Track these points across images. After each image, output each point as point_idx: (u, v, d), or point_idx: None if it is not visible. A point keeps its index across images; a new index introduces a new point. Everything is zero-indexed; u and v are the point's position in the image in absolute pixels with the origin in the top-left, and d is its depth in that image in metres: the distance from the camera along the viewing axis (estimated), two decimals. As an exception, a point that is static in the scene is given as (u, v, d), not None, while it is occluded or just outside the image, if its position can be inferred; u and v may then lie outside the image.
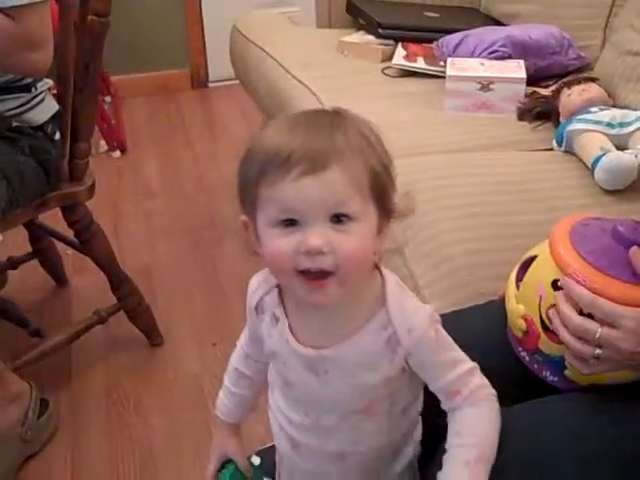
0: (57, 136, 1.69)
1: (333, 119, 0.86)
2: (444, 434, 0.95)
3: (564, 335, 0.93)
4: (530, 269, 1.03)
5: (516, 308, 1.03)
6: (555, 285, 0.97)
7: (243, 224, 0.90)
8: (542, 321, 0.99)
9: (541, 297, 0.98)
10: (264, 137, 0.85)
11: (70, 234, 1.92)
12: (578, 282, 0.93)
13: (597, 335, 0.91)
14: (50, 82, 1.72)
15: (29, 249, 2.20)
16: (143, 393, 1.93)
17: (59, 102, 1.71)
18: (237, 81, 2.71)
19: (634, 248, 0.94)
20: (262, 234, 0.86)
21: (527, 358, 1.04)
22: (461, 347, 0.95)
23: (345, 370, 0.92)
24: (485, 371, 1.06)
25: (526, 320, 1.01)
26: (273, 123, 0.89)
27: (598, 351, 0.91)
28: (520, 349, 1.05)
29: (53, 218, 2.02)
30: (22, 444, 1.71)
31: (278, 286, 0.96)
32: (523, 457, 0.95)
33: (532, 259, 1.04)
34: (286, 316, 0.95)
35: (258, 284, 0.97)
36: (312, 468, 1.02)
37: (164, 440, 1.79)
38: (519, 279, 1.05)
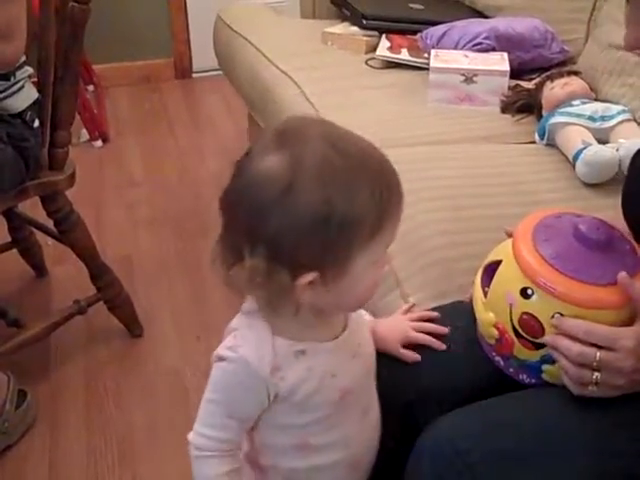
0: (36, 124, 1.67)
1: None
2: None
3: (563, 363, 0.94)
4: (496, 276, 1.01)
5: (486, 317, 1.01)
6: (524, 293, 0.96)
7: (308, 284, 0.85)
8: (514, 329, 0.98)
9: (511, 305, 0.97)
10: (357, 199, 0.83)
11: (50, 224, 1.91)
12: (548, 290, 0.93)
13: (597, 359, 0.91)
14: (30, 70, 1.70)
15: (8, 239, 2.18)
16: (123, 385, 1.91)
17: (39, 90, 1.69)
18: (221, 72, 2.69)
19: (622, 275, 0.94)
20: (360, 274, 0.87)
21: (502, 363, 1.03)
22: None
23: (363, 331, 1.03)
24: (466, 367, 1.07)
25: (498, 328, 0.99)
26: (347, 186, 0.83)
27: (597, 374, 0.92)
28: (494, 354, 1.04)
29: (33, 208, 2.01)
30: (-1, 435, 1.70)
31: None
32: (504, 451, 0.95)
33: (496, 264, 1.03)
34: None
35: (257, 356, 0.92)
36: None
37: (144, 433, 1.78)
38: (485, 284, 1.04)
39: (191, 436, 0.99)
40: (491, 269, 1.04)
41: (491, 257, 1.06)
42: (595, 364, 0.91)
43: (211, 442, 0.97)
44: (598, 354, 0.91)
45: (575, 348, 0.92)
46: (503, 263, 1.01)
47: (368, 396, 1.05)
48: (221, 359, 0.94)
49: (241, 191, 0.85)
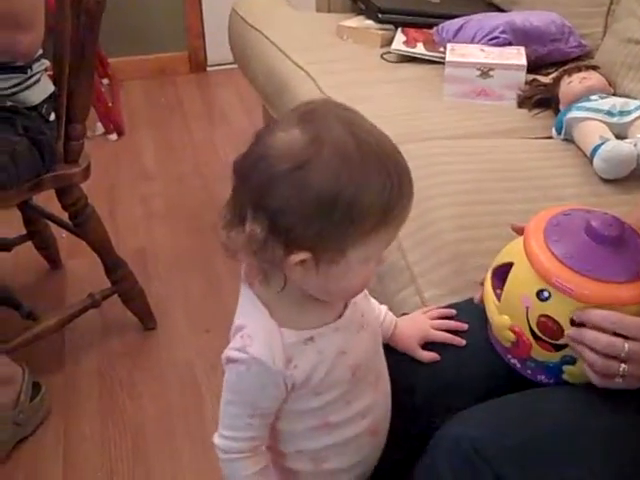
0: (52, 117, 1.68)
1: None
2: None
3: (589, 356, 0.92)
4: (510, 278, 1.00)
5: (500, 320, 1.00)
6: (540, 295, 0.95)
7: (302, 262, 0.85)
8: (532, 331, 0.96)
9: (528, 308, 0.96)
10: (366, 191, 0.82)
11: (65, 217, 1.91)
12: (565, 291, 0.92)
13: (625, 349, 0.90)
14: (47, 63, 1.71)
15: (23, 231, 2.19)
16: (136, 377, 1.92)
17: (55, 83, 1.70)
18: (235, 65, 2.69)
19: None
20: (352, 266, 0.87)
21: (518, 365, 1.02)
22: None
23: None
24: (482, 364, 1.07)
25: (514, 331, 0.98)
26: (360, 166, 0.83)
27: (624, 367, 0.90)
28: (509, 357, 1.03)
29: (48, 201, 2.01)
30: (14, 427, 1.71)
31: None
32: (521, 446, 0.94)
33: (507, 265, 1.01)
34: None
35: (269, 352, 0.91)
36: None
37: (157, 424, 1.79)
38: (497, 286, 1.02)
39: (217, 440, 0.99)
40: (501, 271, 1.02)
41: (500, 259, 1.04)
42: (623, 354, 0.90)
43: (237, 443, 0.97)
44: (626, 345, 0.90)
45: (604, 338, 0.90)
46: (515, 265, 0.99)
47: (377, 365, 1.05)
48: (232, 361, 0.94)
49: (257, 158, 0.85)
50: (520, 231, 1.05)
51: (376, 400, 1.04)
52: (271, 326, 0.92)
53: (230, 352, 0.94)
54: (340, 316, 0.97)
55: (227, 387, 0.97)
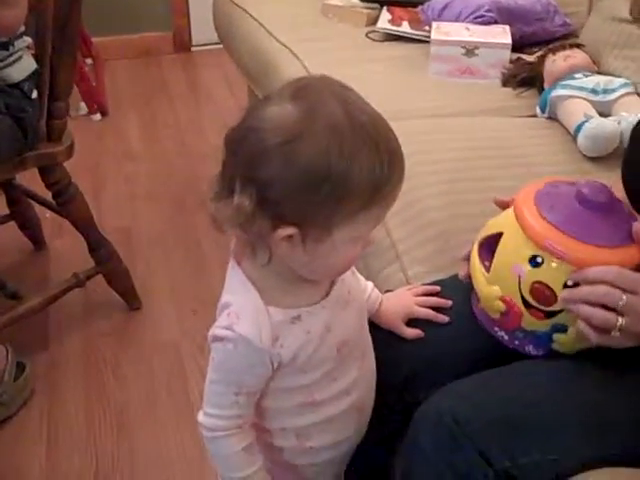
0: (34, 94, 1.66)
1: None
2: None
3: (585, 310, 0.92)
4: (500, 248, 1.00)
5: (490, 290, 1.00)
6: (534, 261, 0.95)
7: (288, 237, 0.85)
8: (524, 300, 0.97)
9: (520, 276, 0.96)
10: (356, 168, 0.82)
11: (48, 196, 1.90)
12: (560, 256, 0.92)
13: (623, 300, 0.90)
14: (29, 40, 1.69)
15: (6, 211, 2.17)
16: (121, 357, 1.92)
17: (37, 61, 1.68)
18: (221, 45, 2.67)
19: (637, 225, 0.94)
20: (338, 245, 0.87)
21: (505, 337, 1.02)
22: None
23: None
24: (466, 340, 1.07)
25: (504, 301, 0.98)
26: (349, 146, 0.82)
27: (621, 319, 0.90)
28: (496, 329, 1.03)
29: (31, 181, 2.00)
30: (-2, 406, 1.71)
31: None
32: (503, 420, 0.95)
33: (494, 237, 1.01)
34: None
35: (256, 330, 0.91)
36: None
37: (141, 404, 1.79)
38: (484, 258, 1.03)
39: (201, 418, 0.99)
40: (488, 243, 1.03)
41: (487, 231, 1.05)
42: (620, 305, 0.90)
43: (223, 421, 0.98)
44: (624, 296, 0.90)
45: (601, 288, 0.91)
46: (505, 235, 1.00)
47: (362, 342, 1.06)
48: (219, 339, 0.93)
49: (248, 131, 0.85)
50: (503, 205, 1.05)
51: (361, 376, 1.04)
52: (258, 304, 0.92)
53: (217, 330, 0.94)
54: (327, 294, 0.97)
55: (213, 365, 0.97)
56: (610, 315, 0.91)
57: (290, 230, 0.84)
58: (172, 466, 1.64)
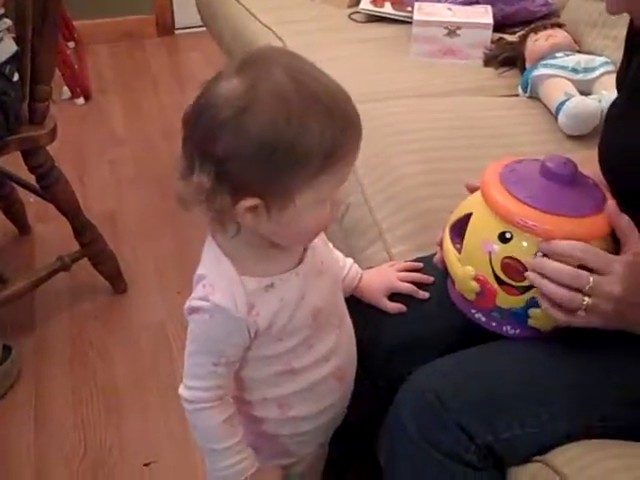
0: (16, 77, 1.65)
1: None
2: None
3: (551, 288, 0.92)
4: (469, 228, 1.01)
5: (464, 271, 1.00)
6: (502, 237, 0.96)
7: (252, 208, 0.86)
8: (496, 277, 0.97)
9: (490, 253, 0.97)
10: (307, 134, 0.82)
11: (32, 180, 1.89)
12: (529, 228, 0.93)
13: (590, 282, 0.90)
14: (9, 22, 1.67)
15: (-10, 196, 2.17)
16: (107, 339, 1.92)
17: (18, 43, 1.67)
18: (204, 29, 2.66)
19: (611, 205, 0.95)
20: (303, 210, 0.87)
21: (483, 319, 1.03)
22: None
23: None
24: (447, 317, 1.08)
25: (478, 280, 0.99)
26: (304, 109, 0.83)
27: (587, 300, 0.91)
28: (474, 311, 1.04)
29: (15, 167, 1.99)
30: (-15, 390, 1.71)
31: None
32: (485, 398, 0.96)
33: (464, 218, 1.02)
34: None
35: (231, 299, 0.93)
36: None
37: (128, 385, 1.80)
38: (456, 241, 1.04)
39: (182, 391, 1.00)
40: (459, 225, 1.04)
41: (457, 214, 1.05)
42: (587, 287, 0.91)
43: (203, 393, 0.99)
44: (591, 278, 0.91)
45: (568, 269, 0.91)
46: (474, 214, 1.01)
47: (338, 309, 1.07)
48: (195, 311, 0.95)
49: (200, 110, 0.86)
50: (475, 189, 1.06)
51: (340, 343, 1.05)
52: (232, 274, 0.93)
53: (193, 302, 0.95)
54: (300, 262, 0.98)
55: (191, 337, 0.98)
56: (576, 296, 0.91)
57: (252, 201, 0.85)
58: (160, 446, 1.65)
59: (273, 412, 1.05)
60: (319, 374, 1.04)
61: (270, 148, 0.82)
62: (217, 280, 0.94)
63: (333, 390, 1.07)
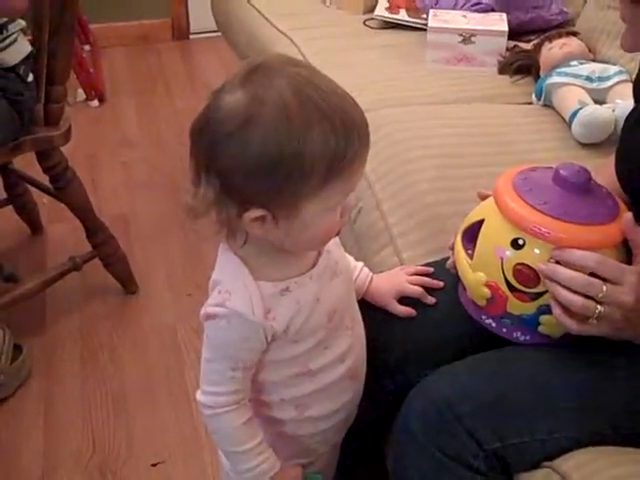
0: (30, 78, 1.67)
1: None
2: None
3: (564, 295, 0.92)
4: (482, 234, 1.01)
5: (475, 277, 1.00)
6: (515, 244, 0.96)
7: (258, 219, 0.86)
8: (508, 283, 0.97)
9: (502, 259, 0.97)
10: (309, 146, 0.82)
11: (46, 181, 1.90)
12: (542, 234, 0.93)
13: (603, 290, 0.90)
14: (23, 23, 1.68)
15: (3, 195, 2.18)
16: (117, 341, 1.93)
17: (33, 44, 1.68)
18: (219, 33, 2.67)
19: (628, 216, 0.94)
20: (311, 218, 0.87)
21: (493, 324, 1.03)
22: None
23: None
24: (457, 323, 1.08)
25: (489, 286, 0.99)
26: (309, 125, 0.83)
27: (600, 308, 0.91)
28: (484, 317, 1.04)
29: (29, 167, 2.01)
30: (-5, 388, 1.72)
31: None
32: (493, 402, 0.96)
33: (476, 225, 1.02)
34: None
35: (248, 305, 0.93)
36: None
37: (138, 386, 1.80)
38: (468, 247, 1.04)
39: (200, 397, 1.01)
40: (471, 232, 1.04)
41: (469, 220, 1.06)
42: (600, 295, 0.90)
43: (221, 398, 0.99)
44: (604, 287, 0.90)
45: (581, 277, 0.91)
46: (487, 221, 1.01)
47: (351, 310, 1.07)
48: (211, 317, 0.95)
49: (205, 122, 0.86)
50: (486, 198, 1.06)
51: (353, 344, 1.06)
52: (247, 279, 0.93)
53: (209, 308, 0.95)
54: (314, 265, 0.98)
55: (208, 344, 0.98)
56: (589, 303, 0.91)
57: (258, 212, 0.86)
58: (168, 447, 1.65)
59: (291, 413, 1.06)
60: (335, 375, 1.04)
61: (273, 160, 0.82)
62: (233, 285, 0.94)
63: (347, 389, 1.08)
